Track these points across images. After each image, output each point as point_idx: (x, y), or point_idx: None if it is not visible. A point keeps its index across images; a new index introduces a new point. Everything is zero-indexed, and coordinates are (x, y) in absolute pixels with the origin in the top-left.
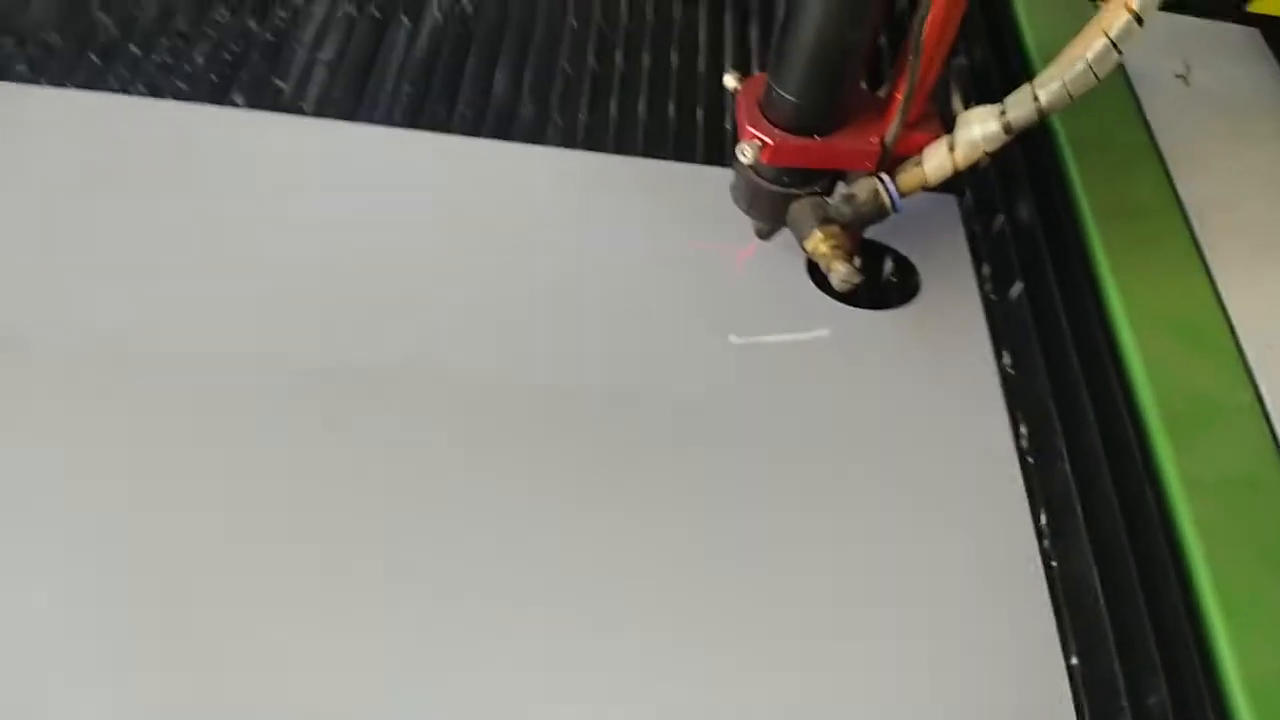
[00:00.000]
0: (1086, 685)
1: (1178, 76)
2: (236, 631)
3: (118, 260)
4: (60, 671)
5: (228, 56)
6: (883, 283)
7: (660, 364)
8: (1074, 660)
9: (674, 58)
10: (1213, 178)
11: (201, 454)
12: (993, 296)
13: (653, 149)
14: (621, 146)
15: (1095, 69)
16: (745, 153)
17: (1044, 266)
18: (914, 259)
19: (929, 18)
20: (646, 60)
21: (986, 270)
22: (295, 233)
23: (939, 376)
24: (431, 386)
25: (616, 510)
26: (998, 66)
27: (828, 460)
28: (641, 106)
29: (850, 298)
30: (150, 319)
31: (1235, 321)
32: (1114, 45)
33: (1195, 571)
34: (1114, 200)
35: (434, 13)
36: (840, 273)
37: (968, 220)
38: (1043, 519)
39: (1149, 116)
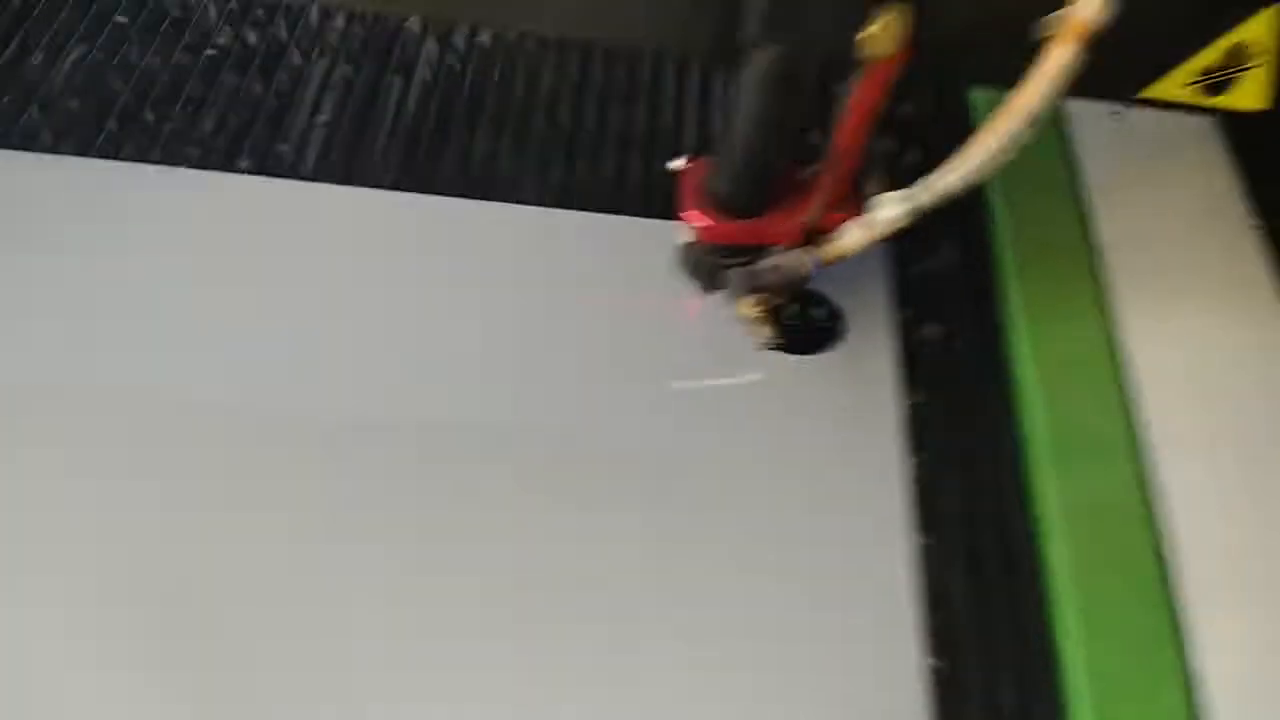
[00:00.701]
0: (943, 687)
1: (1113, 114)
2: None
3: (125, 319)
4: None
5: (234, 122)
6: (809, 327)
7: (605, 410)
8: (933, 661)
9: (640, 116)
10: (1132, 216)
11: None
12: (913, 336)
13: (622, 206)
14: (592, 204)
15: (1001, 154)
16: (685, 233)
17: (963, 306)
18: (842, 301)
19: (845, 125)
20: (617, 119)
21: (910, 312)
22: (288, 294)
23: (844, 414)
24: (391, 432)
25: (558, 543)
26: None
27: (739, 492)
28: (611, 165)
29: (779, 345)
30: (153, 372)
31: (1127, 359)
32: (1015, 137)
33: (1061, 589)
34: (1032, 238)
35: (424, 71)
36: (761, 336)
37: (894, 261)
38: (928, 538)
39: (1079, 152)
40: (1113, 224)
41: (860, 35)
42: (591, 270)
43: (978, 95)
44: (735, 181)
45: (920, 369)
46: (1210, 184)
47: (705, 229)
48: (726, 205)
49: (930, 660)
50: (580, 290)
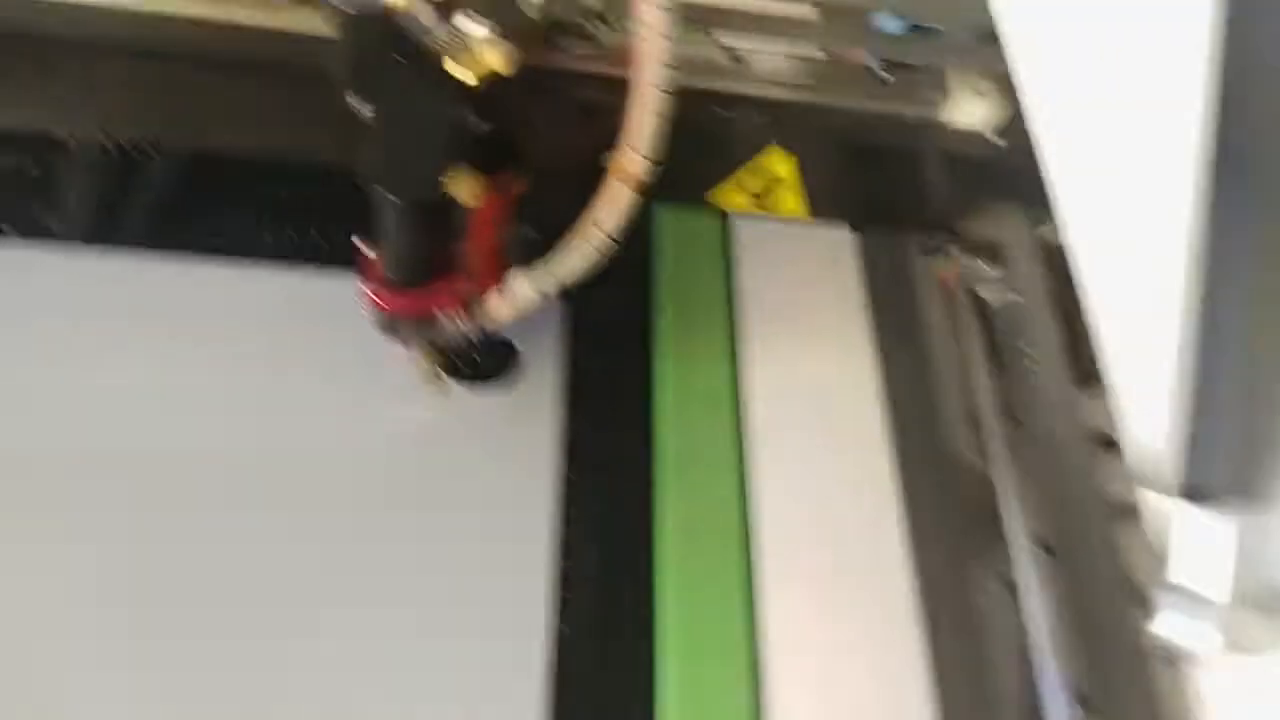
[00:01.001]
0: (565, 647)
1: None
2: None
3: None
4: None
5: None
6: (484, 368)
7: (314, 439)
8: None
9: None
10: (766, 281)
11: None
12: (577, 369)
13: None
14: (321, 261)
15: (601, 249)
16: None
17: (624, 344)
18: (518, 341)
19: (473, 242)
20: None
21: (577, 349)
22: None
23: (509, 436)
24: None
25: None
26: None
27: (419, 506)
28: (335, 228)
29: (460, 380)
30: None
31: (745, 392)
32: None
33: (667, 581)
34: (684, 290)
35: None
36: (431, 386)
37: (567, 307)
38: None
39: (733, 224)
40: (749, 284)
41: (446, 189)
42: (310, 323)
43: (660, 209)
44: (394, 268)
45: (580, 398)
46: (832, 259)
47: (378, 304)
48: (393, 285)
49: (560, 625)
50: (298, 341)
